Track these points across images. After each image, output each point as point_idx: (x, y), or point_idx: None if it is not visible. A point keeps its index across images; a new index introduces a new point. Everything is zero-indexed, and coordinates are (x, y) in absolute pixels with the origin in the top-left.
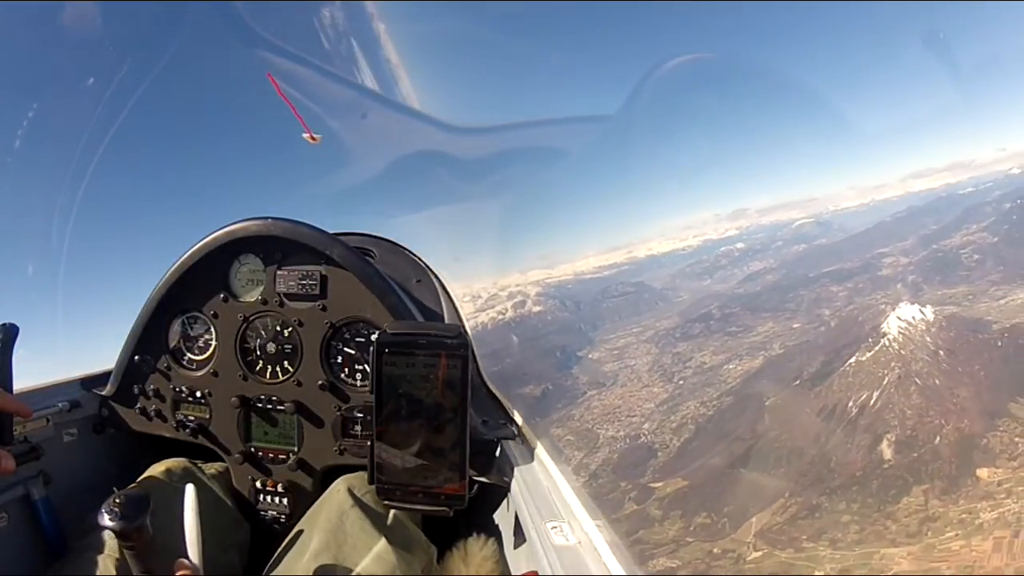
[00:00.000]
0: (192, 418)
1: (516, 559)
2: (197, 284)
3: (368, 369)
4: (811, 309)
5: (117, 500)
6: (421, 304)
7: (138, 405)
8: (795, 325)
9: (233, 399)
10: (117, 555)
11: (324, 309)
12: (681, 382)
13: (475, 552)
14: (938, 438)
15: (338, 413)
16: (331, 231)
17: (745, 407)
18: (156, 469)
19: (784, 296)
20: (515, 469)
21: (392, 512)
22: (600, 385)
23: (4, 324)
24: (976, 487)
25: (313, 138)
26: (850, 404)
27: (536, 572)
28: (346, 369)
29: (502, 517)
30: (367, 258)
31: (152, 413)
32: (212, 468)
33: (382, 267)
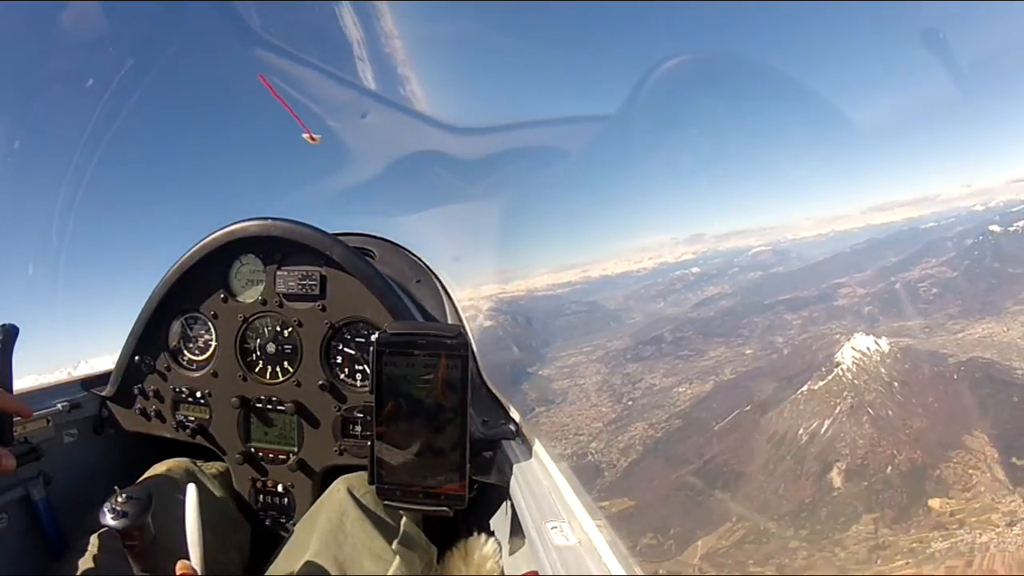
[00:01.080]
0: (192, 418)
1: (516, 559)
2: (197, 284)
3: (368, 369)
4: (764, 336)
5: (119, 499)
6: (421, 304)
7: (138, 406)
8: (747, 351)
9: (233, 399)
10: (117, 555)
11: (324, 309)
12: (630, 403)
13: (475, 552)
14: (890, 468)
15: (338, 413)
16: (331, 231)
17: (694, 431)
18: (156, 469)
19: (738, 322)
20: (515, 469)
21: (392, 512)
22: (549, 402)
23: (4, 324)
24: (928, 517)
25: (313, 138)
26: (800, 432)
27: (536, 572)
28: (346, 369)
29: (502, 517)
30: (367, 258)
31: (152, 413)
32: (212, 468)
33: (382, 267)
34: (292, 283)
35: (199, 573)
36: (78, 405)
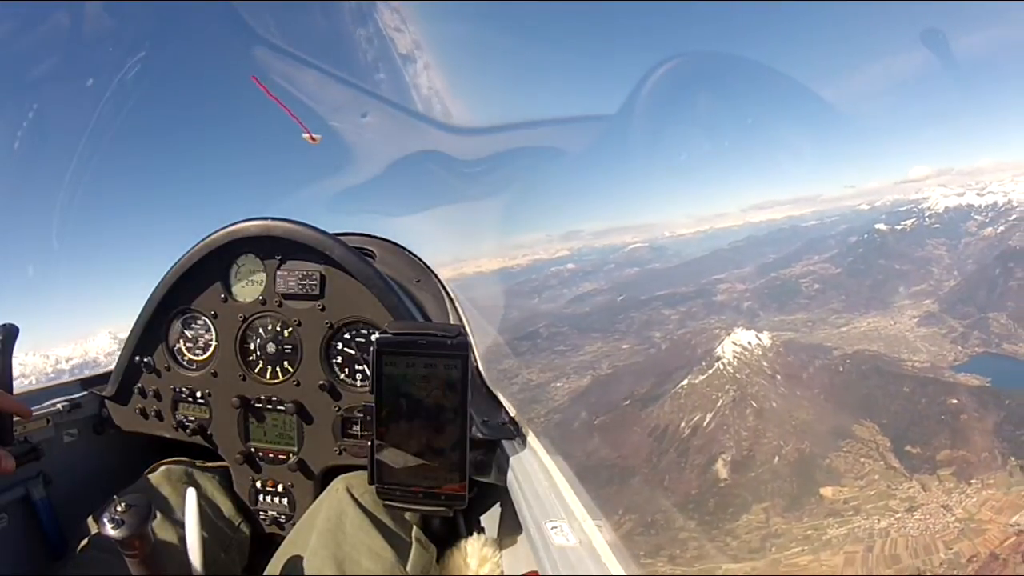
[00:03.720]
0: (192, 418)
1: (516, 559)
2: (197, 284)
3: (368, 369)
4: (642, 331)
5: (118, 508)
6: (421, 304)
7: (138, 405)
8: (625, 346)
9: (233, 399)
10: (117, 555)
11: (324, 309)
12: None
13: (475, 552)
14: (777, 458)
15: (338, 413)
16: (331, 231)
17: (573, 425)
18: (156, 469)
19: (614, 317)
20: (515, 469)
21: (392, 512)
22: None
23: (4, 324)
24: (820, 505)
25: (313, 138)
26: (683, 425)
27: (536, 572)
28: (346, 369)
29: (502, 517)
30: (367, 258)
31: (152, 413)
32: (212, 468)
33: (382, 267)
34: (292, 283)
35: None
36: (78, 405)
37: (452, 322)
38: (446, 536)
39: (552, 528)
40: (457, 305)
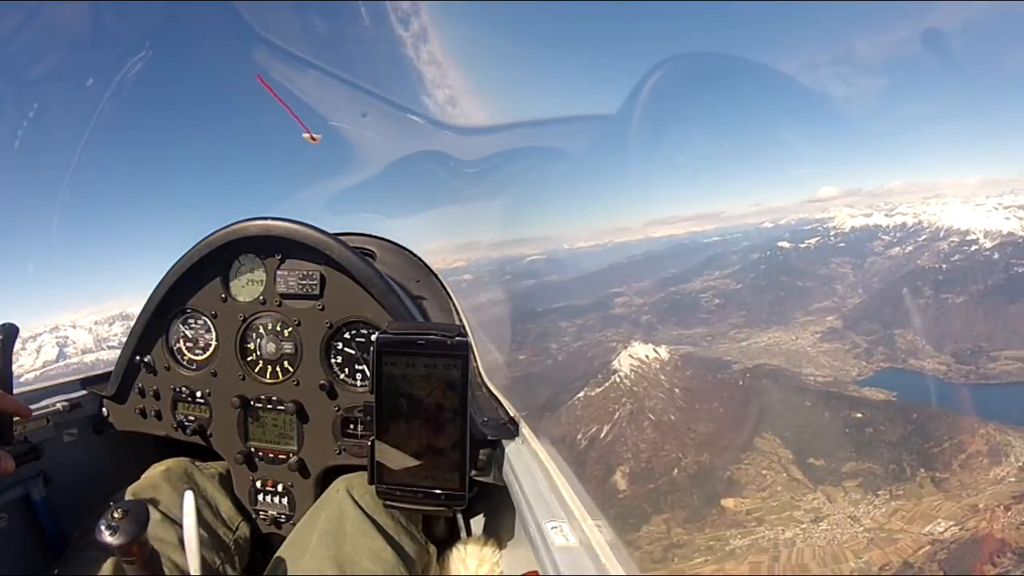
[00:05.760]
0: (192, 418)
1: (516, 559)
2: (197, 284)
3: (368, 369)
4: (538, 343)
5: (115, 514)
6: (421, 304)
7: (138, 405)
8: (520, 357)
9: (233, 399)
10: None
11: (324, 309)
12: None
13: (475, 552)
14: (676, 470)
15: (337, 413)
16: (331, 231)
17: None
18: (156, 469)
19: (510, 329)
20: (515, 469)
21: (392, 512)
22: None
23: (4, 324)
24: (722, 516)
25: (313, 138)
26: (579, 436)
27: (536, 572)
28: (346, 369)
29: (502, 517)
30: (367, 258)
31: (152, 413)
32: (212, 468)
33: (382, 267)
34: (292, 283)
35: None
36: (78, 405)
37: (452, 322)
38: (446, 536)
39: (552, 528)
40: (457, 305)
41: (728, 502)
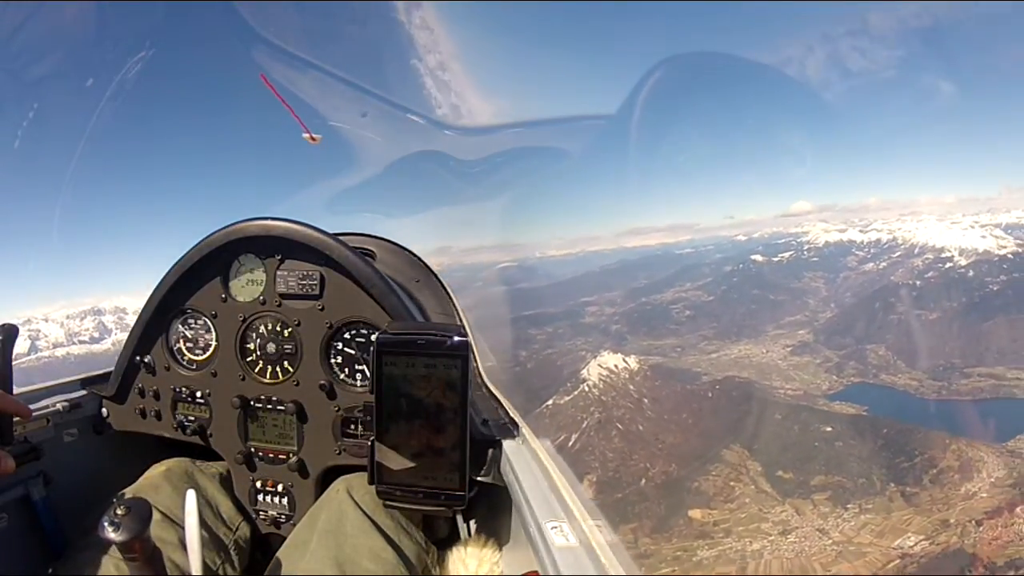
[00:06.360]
0: (192, 418)
1: (516, 559)
2: (197, 284)
3: (368, 369)
4: (508, 349)
5: (118, 510)
6: (421, 304)
7: (138, 405)
8: (489, 364)
9: (233, 399)
10: (117, 555)
11: (323, 309)
12: None
13: (475, 552)
14: (644, 480)
15: (337, 413)
16: (331, 231)
17: None
18: (156, 469)
19: (482, 336)
20: (515, 469)
21: (392, 512)
22: None
23: (4, 324)
24: (690, 527)
25: (313, 138)
26: (547, 445)
27: (536, 572)
28: (346, 369)
29: (502, 517)
30: (367, 258)
31: (151, 413)
32: (212, 468)
33: (382, 267)
34: (292, 283)
35: None
36: (78, 405)
37: (452, 322)
38: (446, 536)
39: (552, 528)
40: (457, 305)
41: (696, 513)
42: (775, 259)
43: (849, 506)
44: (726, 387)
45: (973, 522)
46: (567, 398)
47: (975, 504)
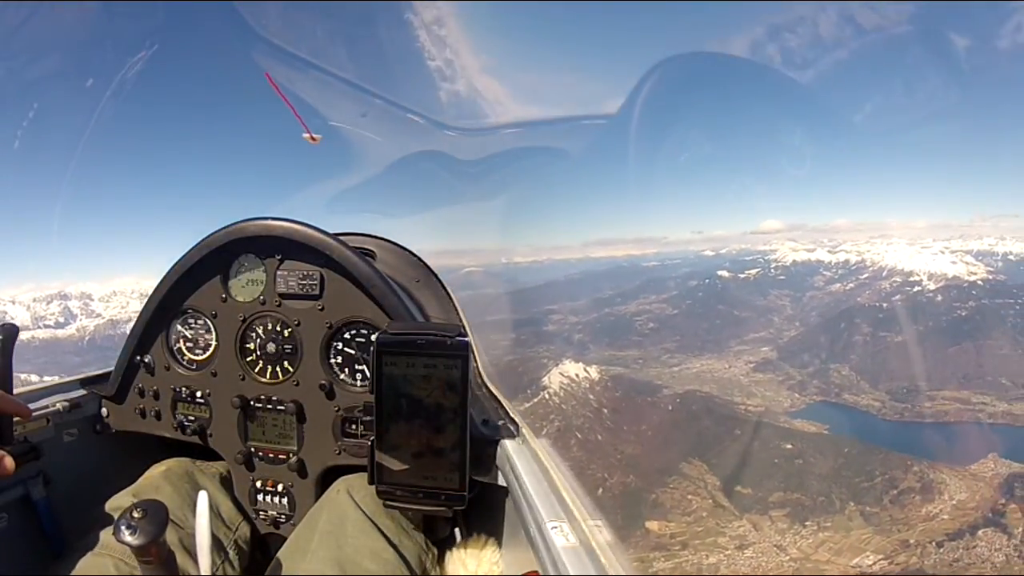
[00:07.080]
0: (192, 418)
1: (516, 559)
2: (197, 284)
3: (368, 369)
4: None
5: (135, 513)
6: (421, 304)
7: (137, 405)
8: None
9: (233, 399)
10: (117, 555)
11: (323, 309)
12: None
13: (475, 552)
14: (600, 490)
15: (337, 413)
16: (331, 231)
17: None
18: (156, 469)
19: None
20: (515, 469)
21: (392, 513)
22: None
23: (4, 324)
24: (647, 538)
25: (313, 138)
26: None
27: (536, 572)
28: (346, 369)
29: (502, 517)
30: (367, 258)
31: (151, 413)
32: (212, 468)
33: (382, 267)
34: (292, 283)
35: None
36: (78, 405)
37: (452, 322)
38: (446, 536)
39: (552, 528)
40: (457, 305)
41: (653, 524)
42: (741, 276)
43: (807, 523)
44: (687, 401)
45: (934, 543)
46: (526, 405)
47: (936, 526)
